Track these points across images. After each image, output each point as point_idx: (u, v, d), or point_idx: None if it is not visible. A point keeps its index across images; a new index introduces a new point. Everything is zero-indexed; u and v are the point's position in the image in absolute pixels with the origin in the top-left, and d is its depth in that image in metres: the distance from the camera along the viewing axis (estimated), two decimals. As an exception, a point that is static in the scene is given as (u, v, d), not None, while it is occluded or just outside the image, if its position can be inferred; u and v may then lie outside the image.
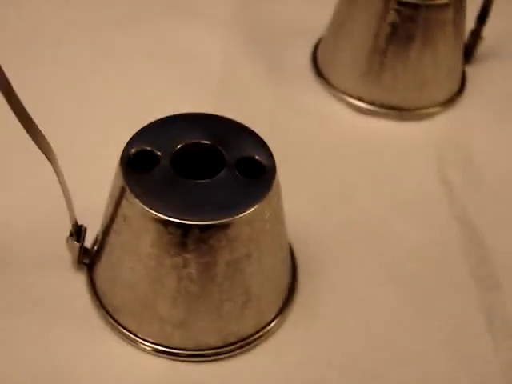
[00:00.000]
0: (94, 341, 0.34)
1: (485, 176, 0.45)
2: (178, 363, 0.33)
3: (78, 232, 0.34)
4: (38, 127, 0.27)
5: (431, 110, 0.50)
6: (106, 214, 0.33)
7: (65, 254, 0.35)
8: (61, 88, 0.48)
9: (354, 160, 0.46)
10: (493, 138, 0.48)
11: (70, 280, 0.36)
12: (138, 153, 0.31)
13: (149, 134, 0.32)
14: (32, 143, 0.27)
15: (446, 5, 0.45)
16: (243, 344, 0.34)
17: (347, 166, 0.45)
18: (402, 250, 0.40)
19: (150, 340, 0.33)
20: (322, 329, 0.36)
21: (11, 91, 0.25)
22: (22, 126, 0.26)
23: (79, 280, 0.36)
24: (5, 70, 0.24)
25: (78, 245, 0.34)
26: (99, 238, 0.34)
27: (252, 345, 0.34)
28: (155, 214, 0.29)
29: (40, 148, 0.27)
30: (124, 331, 0.34)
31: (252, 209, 0.29)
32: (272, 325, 0.35)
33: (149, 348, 0.33)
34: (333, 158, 0.46)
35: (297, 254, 0.38)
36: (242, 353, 0.34)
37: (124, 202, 0.30)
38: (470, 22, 0.51)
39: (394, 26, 0.46)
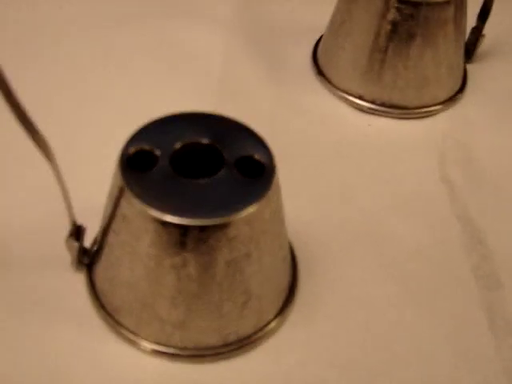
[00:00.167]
0: (93, 341, 0.34)
1: (486, 174, 0.45)
2: (178, 363, 0.33)
3: (77, 232, 0.34)
4: (37, 127, 0.27)
5: (432, 109, 0.49)
6: (106, 213, 0.32)
7: (64, 254, 0.35)
8: (61, 88, 0.48)
9: (354, 159, 0.46)
10: (494, 136, 0.48)
11: (69, 280, 0.36)
12: (136, 152, 0.31)
13: (148, 134, 0.32)
14: (32, 143, 0.27)
15: (446, 2, 0.45)
16: (243, 344, 0.34)
17: (348, 165, 0.45)
18: (403, 250, 0.40)
19: (149, 340, 0.33)
20: (322, 328, 0.36)
21: (11, 91, 0.24)
22: (21, 126, 0.26)
23: (78, 280, 0.36)
24: (5, 70, 0.24)
25: (77, 245, 0.34)
26: (98, 237, 0.34)
27: (252, 345, 0.34)
28: (154, 213, 0.29)
29: (39, 148, 0.27)
30: (123, 331, 0.34)
31: (251, 208, 0.29)
32: (272, 325, 0.35)
33: (148, 348, 0.33)
34: (333, 157, 0.46)
35: (297, 253, 0.38)
36: (241, 353, 0.34)
37: (123, 202, 0.30)
38: (471, 20, 0.50)
39: (394, 25, 0.46)
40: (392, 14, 0.45)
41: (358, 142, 0.47)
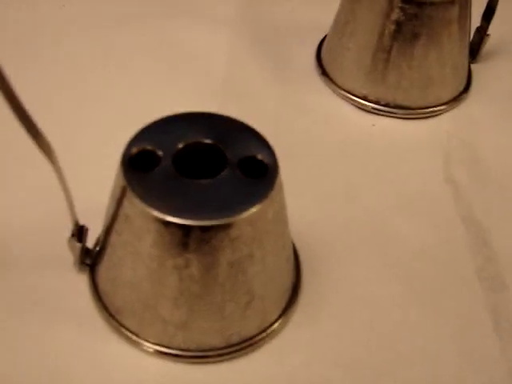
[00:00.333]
0: (95, 342, 0.34)
1: (491, 174, 0.45)
2: (181, 364, 0.33)
3: (79, 232, 0.33)
4: (38, 127, 0.27)
5: (437, 109, 0.49)
6: (108, 214, 0.32)
7: (66, 254, 0.35)
8: (61, 88, 0.48)
9: (358, 159, 0.45)
10: (499, 136, 0.48)
11: (71, 280, 0.36)
12: (139, 152, 0.31)
13: (150, 134, 0.32)
14: (32, 143, 0.27)
15: (451, 2, 0.45)
16: (246, 345, 0.34)
17: (352, 165, 0.45)
18: (407, 250, 0.40)
19: (152, 341, 0.33)
20: (326, 329, 0.35)
21: (11, 91, 0.24)
22: (22, 126, 0.26)
23: (81, 280, 0.36)
24: (5, 70, 0.24)
25: (79, 245, 0.34)
26: (101, 238, 0.34)
27: (255, 345, 0.34)
28: (156, 213, 0.28)
29: (40, 148, 0.27)
30: (126, 332, 0.33)
31: (254, 209, 0.29)
32: (275, 325, 0.35)
33: (151, 349, 0.33)
34: (337, 157, 0.45)
35: (300, 253, 0.38)
36: (245, 354, 0.34)
37: (125, 202, 0.30)
38: (475, 20, 0.50)
39: (398, 24, 0.46)
40: (396, 14, 0.45)
41: (362, 142, 0.47)
